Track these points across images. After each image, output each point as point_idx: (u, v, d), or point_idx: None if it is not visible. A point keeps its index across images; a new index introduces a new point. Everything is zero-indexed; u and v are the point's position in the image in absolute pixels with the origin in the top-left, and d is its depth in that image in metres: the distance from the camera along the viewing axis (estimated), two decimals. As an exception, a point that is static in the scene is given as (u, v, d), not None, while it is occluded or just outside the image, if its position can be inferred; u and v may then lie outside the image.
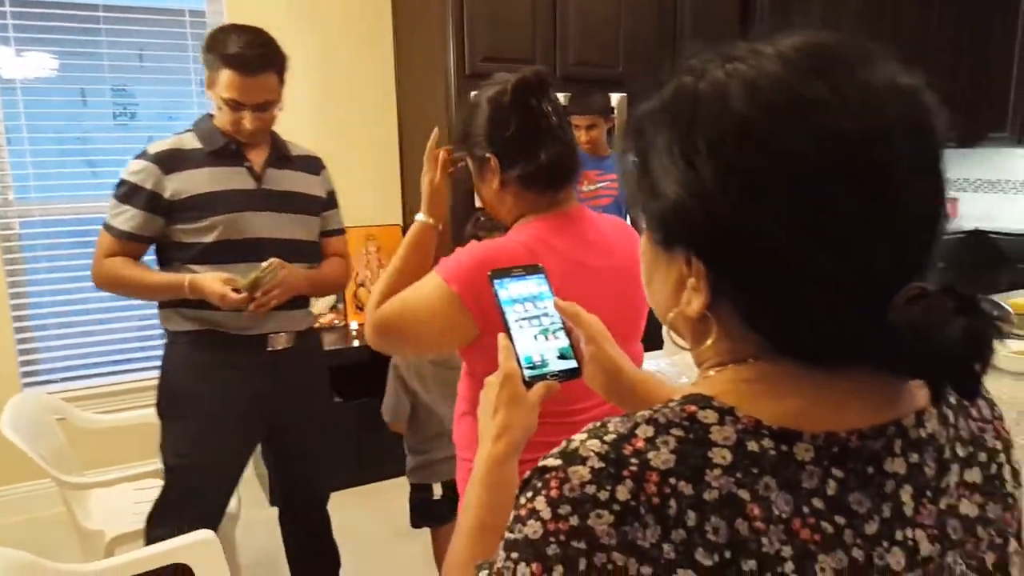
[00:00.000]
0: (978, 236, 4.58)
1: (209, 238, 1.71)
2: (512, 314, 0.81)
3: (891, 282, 0.46)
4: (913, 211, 0.47)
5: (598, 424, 0.50)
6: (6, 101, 2.77)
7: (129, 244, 1.73)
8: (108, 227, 1.73)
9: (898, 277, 0.46)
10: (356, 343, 3.13)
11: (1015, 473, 0.55)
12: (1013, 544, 0.53)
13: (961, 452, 0.52)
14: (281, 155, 1.84)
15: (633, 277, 1.16)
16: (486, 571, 0.52)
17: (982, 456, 0.53)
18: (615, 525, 0.44)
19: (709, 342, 0.52)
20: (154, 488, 2.15)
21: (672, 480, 0.45)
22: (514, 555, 0.48)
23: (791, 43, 0.49)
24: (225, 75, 1.64)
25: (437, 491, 2.24)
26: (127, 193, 1.69)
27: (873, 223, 0.45)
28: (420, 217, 1.31)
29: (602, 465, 0.46)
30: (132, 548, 1.85)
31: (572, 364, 0.80)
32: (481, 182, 1.22)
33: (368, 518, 2.87)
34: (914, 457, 0.49)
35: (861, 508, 0.47)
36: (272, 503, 2.89)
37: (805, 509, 0.45)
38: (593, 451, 0.47)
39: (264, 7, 3.10)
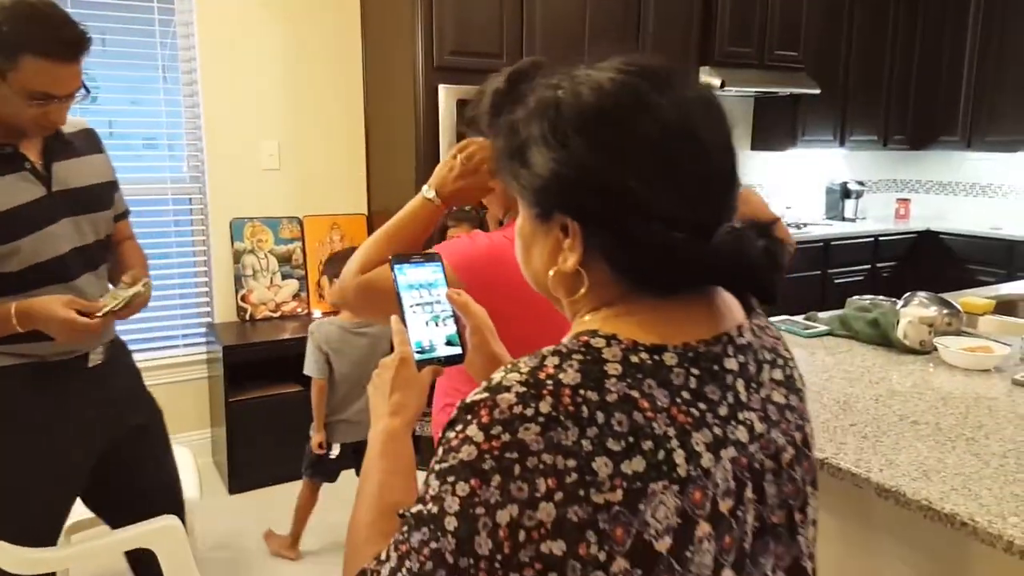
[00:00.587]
0: (929, 236, 4.77)
1: (8, 268, 1.40)
2: (408, 299, 0.86)
3: (712, 223, 0.61)
4: (719, 174, 0.64)
5: (509, 365, 0.60)
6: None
7: None
8: None
9: (715, 220, 0.62)
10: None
11: (800, 376, 0.73)
12: (809, 427, 0.72)
13: (768, 357, 0.69)
14: (58, 140, 1.50)
15: None
16: (417, 507, 0.58)
17: (780, 361, 0.71)
18: (541, 433, 0.55)
19: (583, 291, 0.65)
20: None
21: (581, 391, 0.57)
22: (450, 479, 0.56)
23: (620, 60, 0.65)
24: (33, 64, 1.32)
25: (334, 451, 2.49)
26: None
27: (697, 179, 0.62)
28: (429, 194, 1.22)
29: (524, 389, 0.57)
30: (90, 533, 1.87)
31: (457, 351, 0.85)
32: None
33: (334, 509, 2.91)
34: (741, 358, 0.65)
35: (714, 396, 0.62)
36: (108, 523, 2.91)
37: (678, 400, 0.59)
38: (515, 380, 0.58)
39: (231, -6, 3.10)
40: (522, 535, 0.54)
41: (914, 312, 1.92)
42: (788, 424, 0.68)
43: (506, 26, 3.13)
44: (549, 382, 0.57)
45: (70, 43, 1.36)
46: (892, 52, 4.79)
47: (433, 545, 0.56)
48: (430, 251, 0.93)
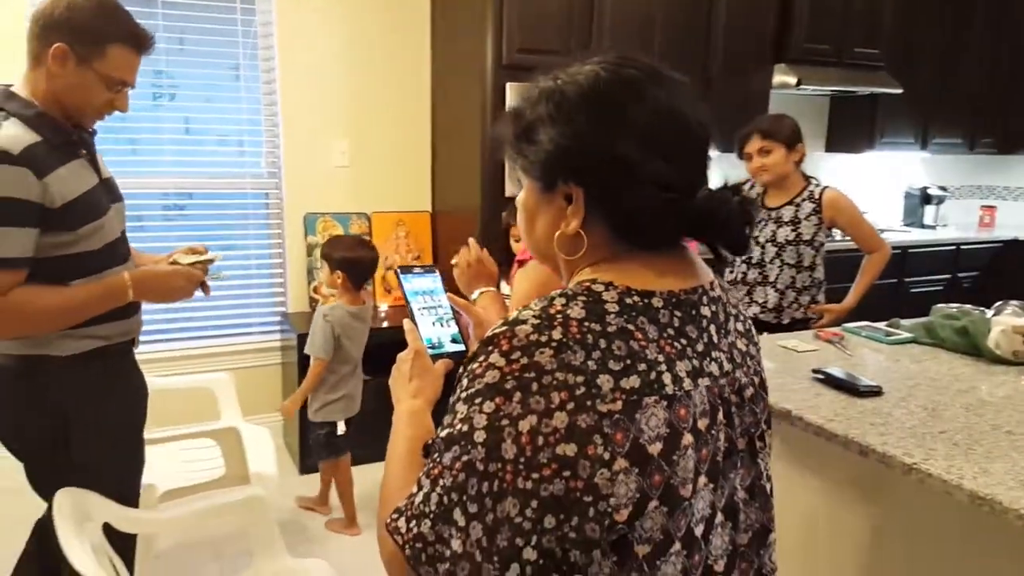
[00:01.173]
0: (1017, 246, 4.52)
1: (91, 247, 1.46)
2: (415, 303, 1.00)
3: (695, 185, 0.73)
4: (699, 144, 0.75)
5: (521, 308, 0.71)
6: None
7: (21, 273, 1.38)
8: None
9: (697, 183, 0.74)
10: (385, 324, 3.21)
11: (754, 330, 0.86)
12: (765, 373, 0.85)
13: (732, 311, 0.81)
14: (88, 133, 1.56)
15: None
16: (447, 431, 0.68)
17: (741, 316, 0.84)
18: (554, 355, 0.65)
19: (582, 252, 0.76)
20: (199, 449, 2.28)
21: (586, 323, 0.68)
22: (477, 400, 0.66)
23: (613, 55, 0.76)
24: (118, 53, 1.43)
25: (341, 427, 2.59)
26: (3, 211, 1.32)
27: (682, 148, 0.73)
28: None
29: (538, 321, 0.67)
30: (181, 502, 1.97)
31: (462, 347, 0.98)
32: None
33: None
34: (713, 308, 0.77)
35: (693, 335, 0.73)
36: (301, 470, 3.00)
37: (664, 334, 0.71)
38: (529, 315, 0.68)
39: (310, -6, 3.19)
40: (540, 440, 0.64)
41: (1007, 321, 1.82)
42: (748, 368, 0.80)
43: (575, 23, 3.11)
44: (559, 316, 0.68)
45: (146, 37, 1.49)
46: (980, 50, 4.56)
47: (465, 458, 0.65)
48: (429, 264, 1.06)
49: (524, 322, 0.67)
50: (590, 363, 0.65)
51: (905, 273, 4.26)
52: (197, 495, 2.04)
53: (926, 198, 4.74)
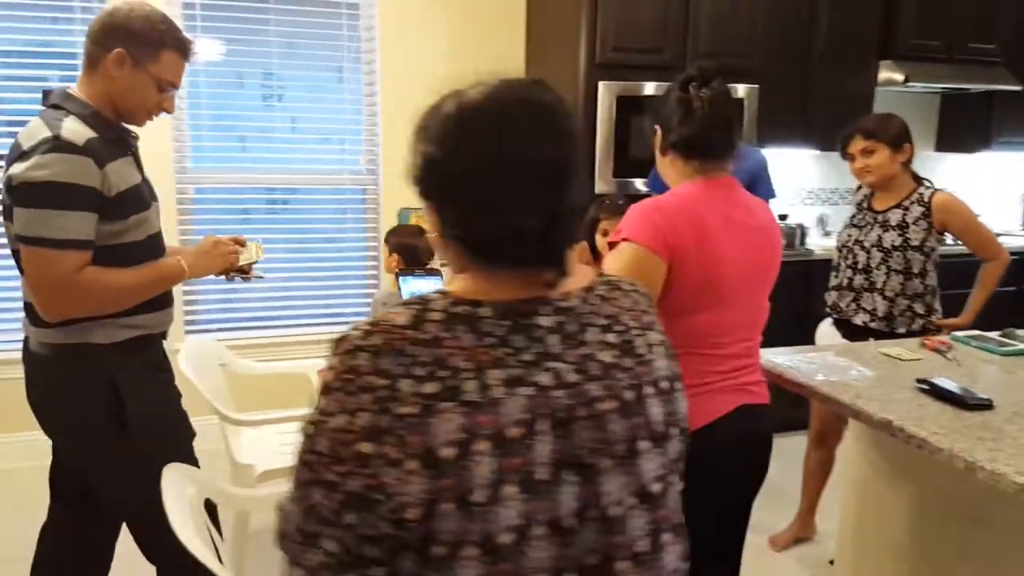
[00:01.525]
0: None
1: (136, 237, 1.57)
2: None
3: (529, 215, 0.74)
4: (538, 176, 0.75)
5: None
6: (191, 81, 3.11)
7: (88, 255, 1.48)
8: (59, 242, 1.43)
9: (533, 212, 0.75)
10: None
11: (647, 344, 0.82)
12: (650, 388, 0.80)
13: (601, 321, 0.80)
14: (133, 136, 1.67)
15: (768, 235, 1.49)
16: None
17: (619, 327, 0.81)
18: (370, 360, 0.71)
19: (450, 257, 0.81)
20: (295, 432, 2.39)
21: (406, 330, 0.73)
22: (319, 398, 0.74)
23: (498, 81, 0.82)
24: (170, 58, 1.58)
25: None
26: (70, 196, 1.43)
27: (517, 181, 0.75)
28: None
29: (367, 327, 0.74)
30: (278, 482, 2.09)
31: None
32: (656, 150, 1.54)
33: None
34: (559, 318, 0.77)
35: (520, 344, 0.74)
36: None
37: (482, 343, 0.73)
38: (364, 322, 0.75)
39: (409, 0, 3.30)
40: (346, 437, 0.70)
41: None
42: (614, 381, 0.77)
43: (670, 21, 3.09)
44: (385, 323, 0.74)
45: (191, 44, 1.63)
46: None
47: (299, 448, 0.74)
48: (433, 267, 1.08)
49: (357, 328, 0.74)
50: (398, 368, 0.70)
51: None
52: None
53: (1047, 201, 4.43)
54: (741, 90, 3.19)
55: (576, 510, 0.73)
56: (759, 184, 2.69)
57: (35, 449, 2.01)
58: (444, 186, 0.78)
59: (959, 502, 1.50)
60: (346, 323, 3.69)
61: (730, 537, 1.55)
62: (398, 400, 0.69)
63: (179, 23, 2.92)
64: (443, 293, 0.77)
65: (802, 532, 2.63)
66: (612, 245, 1.43)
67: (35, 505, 1.87)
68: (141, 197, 1.60)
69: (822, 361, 1.84)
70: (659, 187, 1.57)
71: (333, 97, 3.39)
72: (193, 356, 2.19)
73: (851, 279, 2.47)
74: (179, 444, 1.70)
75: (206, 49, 3.15)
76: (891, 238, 2.36)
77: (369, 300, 3.54)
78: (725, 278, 1.39)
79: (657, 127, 1.50)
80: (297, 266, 3.45)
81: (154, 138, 3.06)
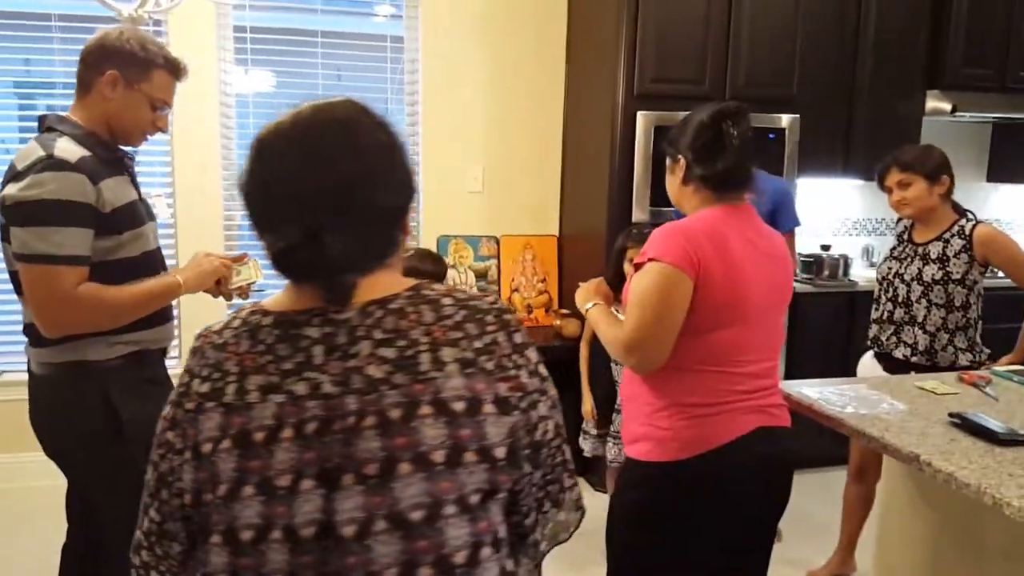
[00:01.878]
0: None
1: (131, 253, 1.59)
2: None
3: (284, 230, 0.76)
4: (295, 195, 0.77)
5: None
6: (239, 112, 3.27)
7: (86, 270, 1.50)
8: (56, 258, 1.45)
9: (301, 232, 0.75)
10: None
11: (436, 360, 0.76)
12: (427, 408, 0.74)
13: (379, 336, 0.77)
14: (130, 157, 1.71)
15: (783, 263, 1.55)
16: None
17: (402, 343, 0.77)
18: (190, 359, 0.81)
19: None
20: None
21: (210, 336, 0.82)
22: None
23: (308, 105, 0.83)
24: (161, 77, 1.63)
25: None
26: (65, 212, 1.45)
27: (276, 196, 0.78)
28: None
29: (199, 332, 0.84)
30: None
31: None
32: (671, 176, 1.57)
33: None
34: (328, 329, 0.78)
35: (284, 352, 0.77)
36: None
37: (255, 349, 0.78)
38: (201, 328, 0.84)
39: (451, 33, 3.40)
40: (163, 424, 0.80)
41: None
42: (380, 396, 0.74)
43: (710, 52, 3.10)
44: (206, 329, 0.83)
45: (180, 64, 1.69)
46: None
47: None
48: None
49: (199, 335, 0.84)
50: (195, 368, 0.80)
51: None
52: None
53: (1109, 234, 4.25)
54: (784, 120, 3.18)
55: (314, 522, 0.72)
56: (782, 212, 2.69)
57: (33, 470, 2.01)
58: (241, 195, 0.82)
59: (992, 537, 1.45)
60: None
61: (754, 566, 1.53)
62: (188, 396, 0.78)
63: (230, 56, 3.14)
64: (253, 304, 0.85)
65: (841, 568, 2.55)
66: (638, 267, 1.46)
67: (35, 523, 1.92)
68: (136, 213, 1.63)
69: (854, 394, 1.81)
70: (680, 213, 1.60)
71: (378, 127, 3.50)
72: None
73: (891, 312, 2.41)
74: None
75: (256, 80, 3.30)
76: (932, 271, 2.31)
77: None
78: (747, 297, 1.41)
79: (682, 158, 1.51)
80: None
81: (206, 163, 3.22)
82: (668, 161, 1.57)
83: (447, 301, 0.81)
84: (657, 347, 1.39)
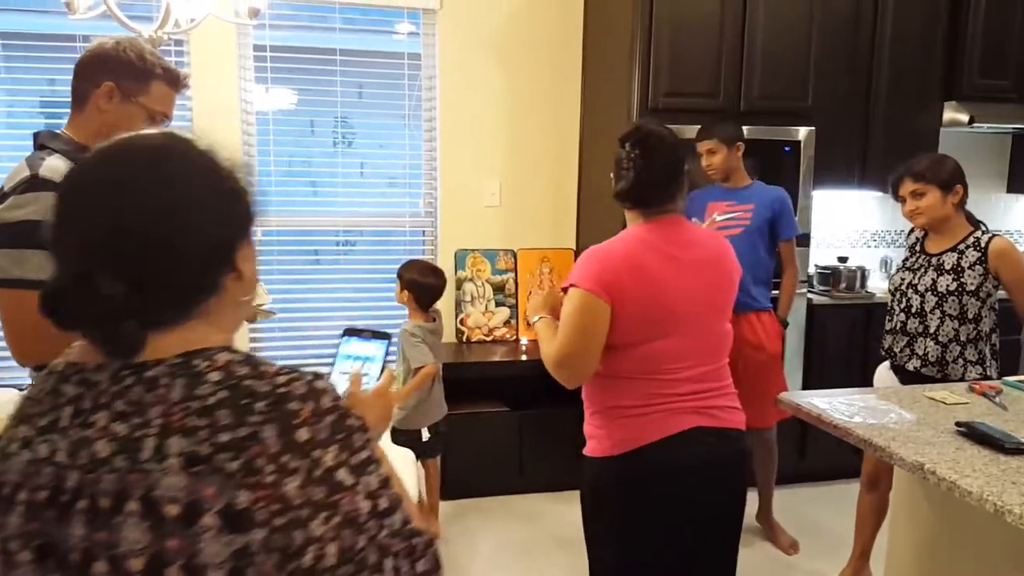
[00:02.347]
0: None
1: None
2: (340, 367, 1.02)
3: (55, 271, 0.69)
4: (67, 235, 0.70)
5: None
6: (260, 129, 3.36)
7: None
8: (32, 283, 1.31)
9: (56, 272, 0.68)
10: (524, 357, 3.34)
11: (158, 450, 0.63)
12: (134, 504, 0.62)
13: (120, 408, 0.66)
14: None
15: (720, 264, 1.62)
16: None
17: (136, 420, 0.65)
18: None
19: None
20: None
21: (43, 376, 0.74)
22: None
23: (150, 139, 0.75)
24: (159, 89, 1.58)
25: (425, 434, 2.82)
26: (31, 233, 1.31)
27: (53, 235, 0.71)
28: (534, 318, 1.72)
29: None
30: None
31: None
32: None
33: (527, 526, 3.04)
34: (80, 390, 0.69)
35: (44, 408, 0.69)
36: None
37: (34, 395, 0.72)
38: None
39: (468, 50, 3.47)
40: None
41: None
42: (97, 479, 0.63)
43: (724, 65, 3.13)
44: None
45: (179, 75, 1.64)
46: None
47: None
48: (384, 332, 1.07)
49: None
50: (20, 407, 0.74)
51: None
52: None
53: None
54: (800, 133, 3.20)
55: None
56: (781, 221, 2.74)
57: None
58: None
59: (1001, 547, 1.44)
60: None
61: (715, 561, 1.62)
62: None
63: (251, 74, 3.23)
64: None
65: (856, 580, 2.54)
66: (564, 291, 1.58)
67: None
68: None
69: (863, 404, 1.81)
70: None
71: (397, 143, 3.58)
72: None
73: (904, 323, 2.41)
74: None
75: (277, 98, 3.39)
76: (946, 282, 2.30)
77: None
78: (674, 311, 1.52)
79: (613, 179, 1.67)
80: (360, 304, 3.61)
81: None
82: None
83: (213, 377, 0.66)
84: (582, 363, 1.54)
